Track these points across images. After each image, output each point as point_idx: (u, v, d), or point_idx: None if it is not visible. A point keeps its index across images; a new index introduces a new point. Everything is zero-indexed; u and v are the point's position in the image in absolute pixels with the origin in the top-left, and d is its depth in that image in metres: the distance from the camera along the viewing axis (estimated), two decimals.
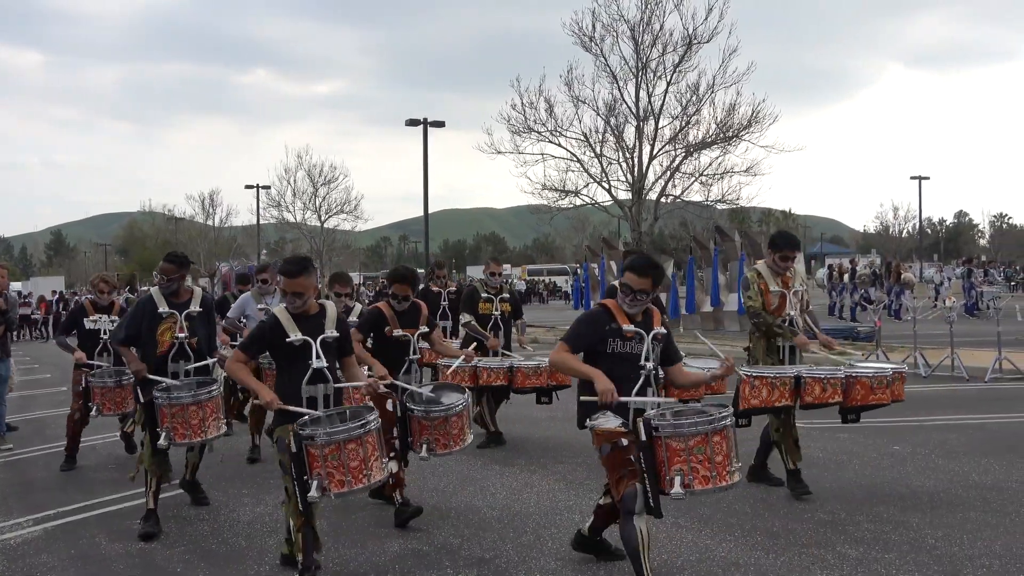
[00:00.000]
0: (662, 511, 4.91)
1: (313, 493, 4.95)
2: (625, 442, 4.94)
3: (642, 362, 5.13)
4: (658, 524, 6.25)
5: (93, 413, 8.73)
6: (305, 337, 5.33)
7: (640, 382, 5.11)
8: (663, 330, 5.30)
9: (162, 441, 6.36)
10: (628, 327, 5.14)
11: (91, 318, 9.17)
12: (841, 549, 5.71)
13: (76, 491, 7.87)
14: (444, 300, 10.59)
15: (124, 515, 6.97)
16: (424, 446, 6.38)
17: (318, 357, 5.33)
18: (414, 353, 6.86)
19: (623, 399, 4.99)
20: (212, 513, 6.94)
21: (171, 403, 6.36)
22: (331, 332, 5.44)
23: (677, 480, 4.70)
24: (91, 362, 9.02)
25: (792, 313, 7.09)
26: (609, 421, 5.05)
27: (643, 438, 4.82)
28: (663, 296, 25.67)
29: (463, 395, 6.57)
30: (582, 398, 5.13)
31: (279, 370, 5.48)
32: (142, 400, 6.68)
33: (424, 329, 7.01)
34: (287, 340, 5.30)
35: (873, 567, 5.37)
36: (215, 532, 6.45)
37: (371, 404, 5.80)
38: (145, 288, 19.11)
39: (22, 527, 6.76)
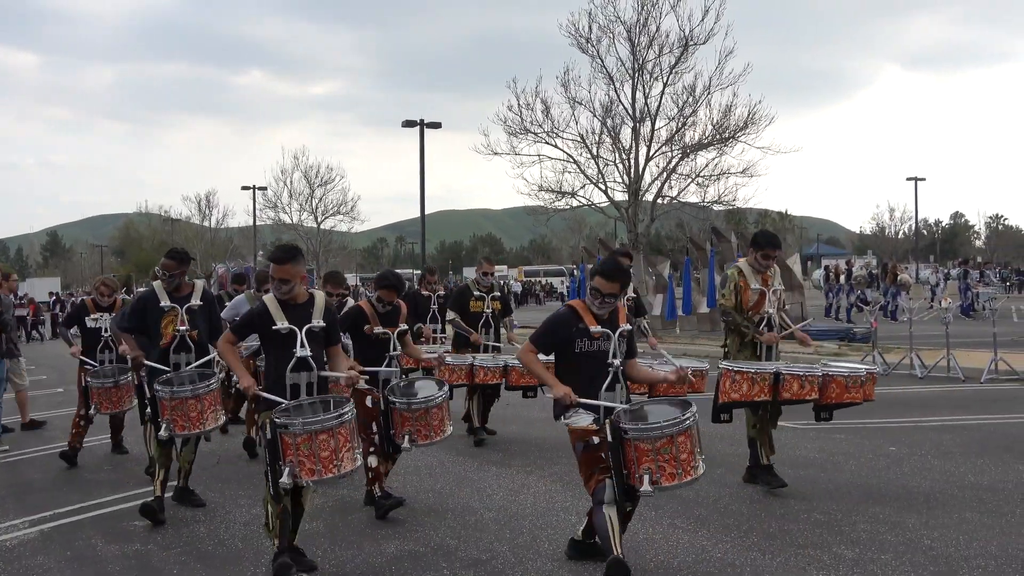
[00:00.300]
0: (625, 506, 5.29)
1: (284, 479, 5.12)
2: (596, 440, 5.23)
3: (610, 360, 5.35)
4: (654, 525, 6.29)
5: (92, 411, 8.87)
6: (291, 326, 5.49)
7: (608, 379, 5.33)
8: (628, 327, 5.54)
9: (163, 432, 6.52)
10: (595, 328, 5.34)
11: (92, 316, 9.33)
12: (837, 550, 5.72)
13: (72, 492, 7.85)
14: (434, 304, 10.89)
15: (120, 516, 6.96)
16: (406, 437, 6.65)
17: (302, 346, 5.49)
18: (394, 349, 7.05)
19: (585, 401, 5.25)
20: (208, 515, 6.94)
21: (172, 396, 6.51)
22: (318, 322, 5.59)
23: (646, 478, 5.00)
24: (86, 359, 9.17)
25: (771, 311, 7.26)
26: (582, 419, 5.30)
27: (611, 439, 5.08)
28: (659, 297, 25.74)
29: (443, 388, 6.84)
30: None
31: (266, 356, 5.67)
32: (148, 395, 6.91)
33: (403, 327, 7.22)
34: (273, 328, 5.47)
35: (869, 568, 5.38)
36: (211, 534, 6.44)
37: (348, 396, 5.96)
38: (141, 288, 19.09)
39: (18, 528, 6.75)
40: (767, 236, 7.45)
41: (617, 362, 5.35)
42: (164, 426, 6.51)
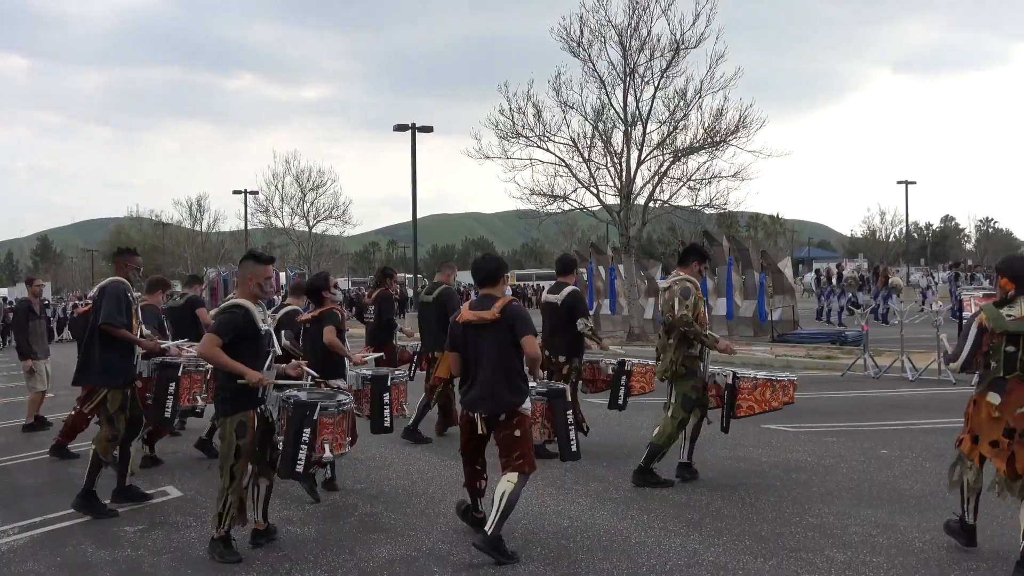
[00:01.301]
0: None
1: (328, 454, 5.97)
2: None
3: None
4: (647, 529, 6.30)
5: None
6: (269, 327, 6.01)
7: None
8: None
9: (200, 403, 8.34)
10: None
11: None
12: (829, 553, 5.72)
13: (63, 498, 7.79)
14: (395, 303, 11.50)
15: (111, 522, 6.93)
16: (405, 409, 8.01)
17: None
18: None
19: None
20: (199, 520, 6.90)
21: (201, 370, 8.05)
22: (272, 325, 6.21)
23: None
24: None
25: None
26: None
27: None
28: (651, 300, 25.75)
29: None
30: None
31: (238, 357, 5.76)
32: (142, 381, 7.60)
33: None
34: (258, 327, 5.88)
35: (861, 570, 5.39)
36: (203, 539, 6.39)
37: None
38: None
39: (8, 535, 6.71)
40: (703, 249, 8.22)
41: None
42: (201, 398, 8.18)
